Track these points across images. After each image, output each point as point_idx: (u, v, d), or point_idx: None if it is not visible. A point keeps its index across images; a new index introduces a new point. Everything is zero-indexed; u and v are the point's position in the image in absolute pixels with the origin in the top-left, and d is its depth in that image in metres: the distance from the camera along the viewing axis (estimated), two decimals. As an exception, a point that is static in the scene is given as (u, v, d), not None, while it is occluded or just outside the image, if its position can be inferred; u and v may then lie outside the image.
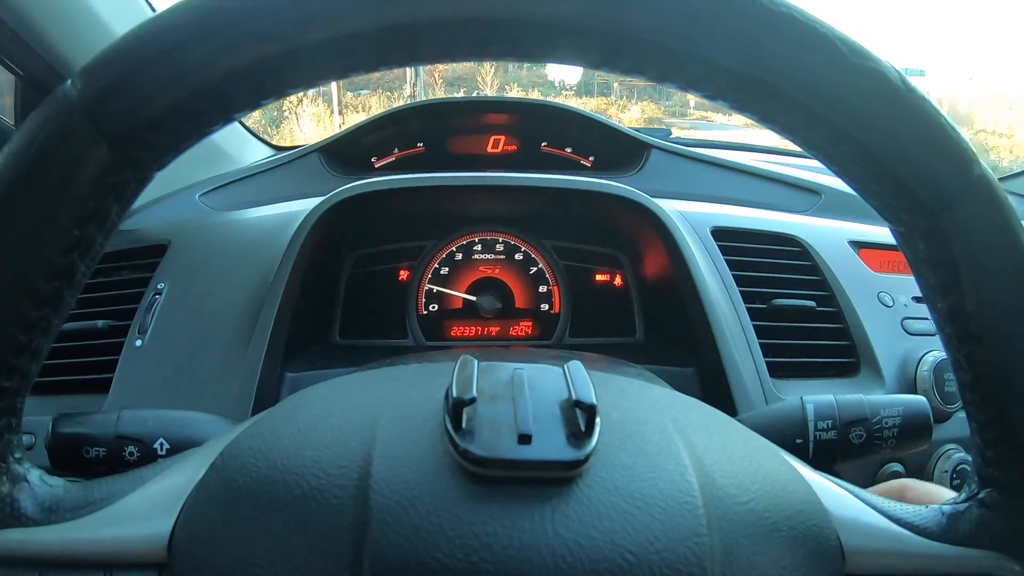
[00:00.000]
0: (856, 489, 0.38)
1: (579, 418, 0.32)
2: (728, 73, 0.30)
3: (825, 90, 0.30)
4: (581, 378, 0.34)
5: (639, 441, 0.34)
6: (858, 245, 0.97)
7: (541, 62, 0.32)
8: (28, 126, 0.30)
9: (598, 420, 0.32)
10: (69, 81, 0.30)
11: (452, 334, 1.00)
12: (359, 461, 0.32)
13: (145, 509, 0.35)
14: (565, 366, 0.36)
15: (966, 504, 0.36)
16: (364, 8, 0.28)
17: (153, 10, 1.09)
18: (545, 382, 0.35)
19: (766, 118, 0.32)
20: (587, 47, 0.30)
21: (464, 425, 0.32)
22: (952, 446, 0.83)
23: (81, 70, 0.30)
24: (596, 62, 0.31)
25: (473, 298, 1.00)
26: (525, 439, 0.31)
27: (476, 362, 0.36)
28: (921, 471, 0.83)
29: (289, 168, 1.20)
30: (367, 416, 0.35)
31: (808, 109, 0.31)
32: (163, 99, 0.30)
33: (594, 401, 0.32)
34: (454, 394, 0.32)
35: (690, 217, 0.93)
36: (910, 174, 0.31)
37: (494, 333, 1.01)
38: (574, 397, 0.33)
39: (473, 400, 0.32)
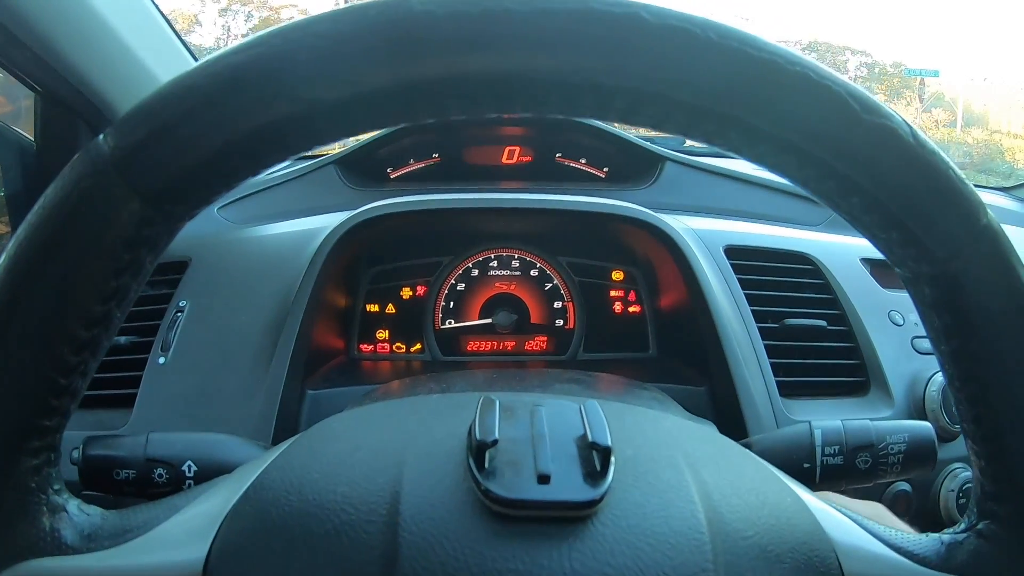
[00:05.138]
0: (859, 517, 0.39)
1: (595, 458, 0.34)
2: (743, 127, 0.31)
3: (838, 146, 0.31)
4: (597, 419, 0.36)
5: (651, 479, 0.35)
6: (869, 263, 0.98)
7: (568, 117, 0.32)
8: (62, 181, 0.31)
9: (612, 460, 0.34)
10: (101, 137, 0.31)
11: (468, 349, 1.02)
12: (387, 498, 0.34)
13: (180, 536, 0.36)
14: (582, 406, 0.38)
15: (965, 534, 0.37)
16: (386, 68, 0.29)
17: (170, 25, 1.10)
18: (562, 420, 0.37)
19: (779, 169, 0.33)
20: (609, 104, 0.31)
21: (487, 465, 0.33)
22: (959, 465, 0.84)
23: (112, 127, 0.31)
24: (616, 117, 0.32)
25: (489, 321, 1.01)
26: (544, 479, 0.32)
27: (497, 402, 0.37)
28: (928, 490, 0.84)
29: (306, 180, 1.21)
30: (392, 453, 0.37)
31: (822, 163, 0.32)
32: (192, 156, 0.30)
33: (609, 443, 0.34)
34: (477, 436, 0.34)
35: (703, 235, 0.94)
36: (919, 225, 0.32)
37: (509, 348, 1.02)
38: (590, 438, 0.34)
39: (495, 442, 0.34)
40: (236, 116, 0.30)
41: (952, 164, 0.33)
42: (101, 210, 0.31)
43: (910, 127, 0.32)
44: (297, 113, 0.30)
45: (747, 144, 0.32)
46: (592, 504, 0.32)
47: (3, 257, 0.32)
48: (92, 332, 0.32)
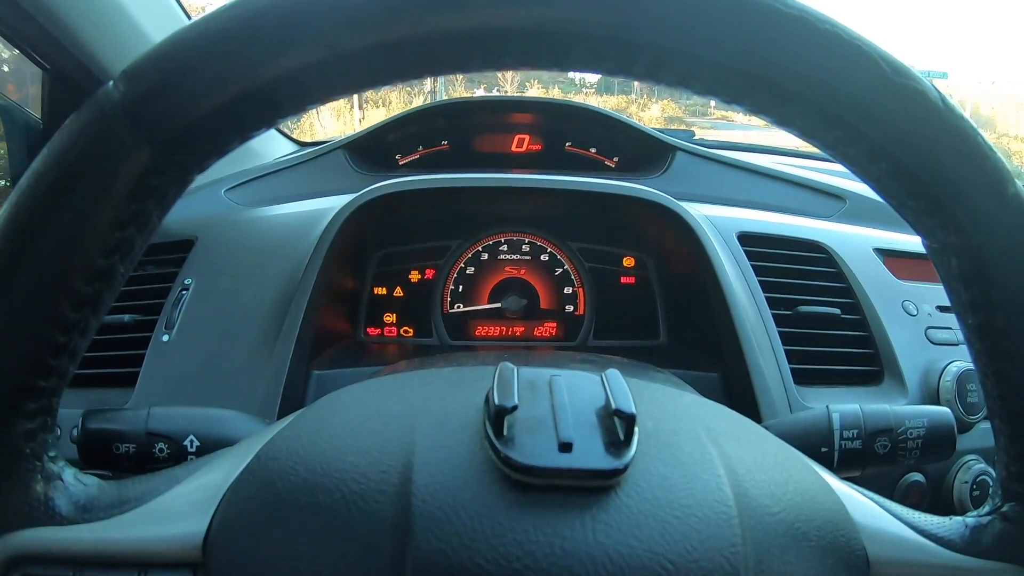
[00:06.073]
0: (881, 499, 0.39)
1: (618, 427, 0.33)
2: (772, 88, 0.31)
3: (867, 108, 0.31)
4: (620, 387, 0.35)
5: (674, 451, 0.34)
6: (883, 253, 0.97)
7: (592, 71, 0.32)
8: (68, 128, 0.30)
9: (636, 429, 0.33)
10: (111, 83, 0.30)
11: (477, 333, 1.01)
12: (399, 467, 0.32)
13: (180, 508, 0.35)
14: (603, 374, 0.37)
15: (989, 517, 0.37)
16: (412, 15, 0.28)
17: (182, 7, 1.10)
18: (582, 390, 0.36)
19: (807, 132, 0.33)
20: (635, 60, 0.30)
21: (505, 433, 0.32)
22: (973, 457, 0.83)
23: (123, 73, 0.30)
24: (642, 74, 0.31)
25: (498, 305, 1.01)
26: (566, 447, 0.31)
27: (516, 369, 0.36)
28: (941, 481, 0.83)
29: (314, 164, 1.21)
30: (404, 422, 0.36)
31: (850, 126, 0.31)
32: (207, 103, 0.29)
33: (634, 411, 0.33)
34: (496, 401, 0.33)
35: (716, 222, 0.93)
36: (947, 192, 0.32)
37: (518, 333, 1.01)
38: (614, 406, 0.33)
39: (515, 408, 0.32)
40: (256, 62, 0.29)
41: (980, 132, 0.32)
42: (108, 157, 0.30)
43: (939, 92, 0.31)
44: (319, 61, 0.29)
45: (775, 104, 0.32)
46: (616, 473, 0.31)
47: (4, 206, 0.31)
48: (93, 287, 0.31)
